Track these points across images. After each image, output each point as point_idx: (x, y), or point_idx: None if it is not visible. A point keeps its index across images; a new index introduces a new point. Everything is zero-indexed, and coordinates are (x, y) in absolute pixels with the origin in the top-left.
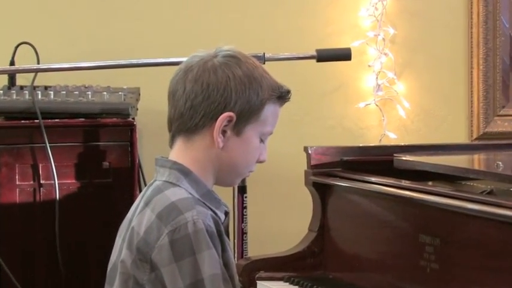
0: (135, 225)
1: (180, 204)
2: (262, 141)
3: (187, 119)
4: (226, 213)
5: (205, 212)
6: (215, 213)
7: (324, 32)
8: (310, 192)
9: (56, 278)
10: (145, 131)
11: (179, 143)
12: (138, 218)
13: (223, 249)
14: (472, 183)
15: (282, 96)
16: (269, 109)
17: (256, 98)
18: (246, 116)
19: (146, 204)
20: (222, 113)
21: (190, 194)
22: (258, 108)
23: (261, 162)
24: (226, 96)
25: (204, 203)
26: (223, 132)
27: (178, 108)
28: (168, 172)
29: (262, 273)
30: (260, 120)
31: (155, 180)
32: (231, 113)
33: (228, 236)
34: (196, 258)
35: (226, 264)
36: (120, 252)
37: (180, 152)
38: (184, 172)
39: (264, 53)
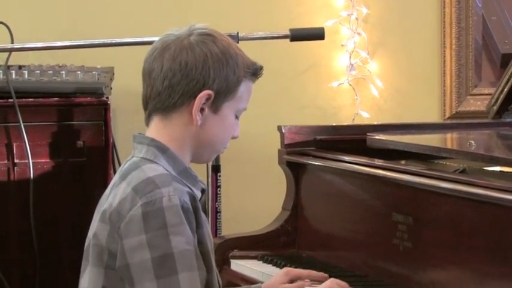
0: (110, 198)
1: (157, 179)
2: (236, 117)
3: (165, 98)
4: (203, 191)
5: (181, 188)
6: (191, 190)
7: (296, 11)
8: (283, 171)
9: (30, 256)
10: (119, 110)
11: (156, 121)
12: (114, 191)
13: (198, 225)
14: (444, 162)
15: (256, 72)
16: (244, 86)
17: (233, 75)
18: (224, 93)
19: (123, 178)
20: (200, 91)
21: (167, 170)
22: (234, 85)
23: (234, 138)
24: (205, 74)
25: (181, 180)
26: (201, 110)
27: (156, 87)
28: (146, 149)
29: (236, 252)
30: (236, 98)
31: (132, 157)
32: (209, 91)
33: (205, 212)
34: (167, 232)
35: (200, 240)
36: (94, 226)
37: (157, 130)
38: (162, 149)
39: (237, 32)
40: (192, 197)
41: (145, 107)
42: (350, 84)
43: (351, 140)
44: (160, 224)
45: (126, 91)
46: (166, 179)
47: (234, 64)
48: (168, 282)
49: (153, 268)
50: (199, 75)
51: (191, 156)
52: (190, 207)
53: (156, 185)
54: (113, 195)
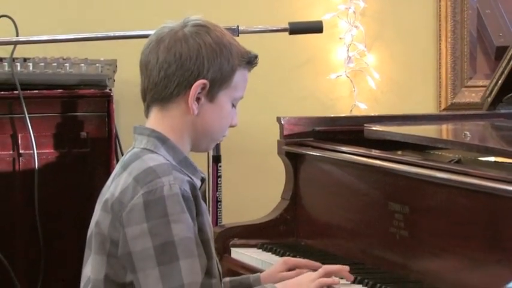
0: (112, 188)
1: (158, 169)
2: (233, 106)
3: (162, 89)
4: (203, 180)
5: (181, 177)
6: (191, 179)
7: (295, 5)
8: (282, 162)
9: (35, 246)
10: (122, 101)
11: (155, 112)
12: (115, 181)
13: (198, 213)
14: (440, 153)
15: (250, 61)
16: (239, 75)
17: (227, 64)
18: (219, 82)
19: (124, 168)
20: (195, 81)
21: (168, 160)
22: (229, 74)
23: (232, 126)
24: (199, 64)
25: (181, 169)
26: (198, 99)
27: (152, 78)
28: (146, 140)
29: (236, 240)
30: (232, 86)
31: (133, 148)
32: (204, 81)
33: (205, 201)
34: (169, 220)
35: (201, 228)
36: (96, 215)
37: (156, 121)
38: (162, 140)
39: (237, 26)
40: (192, 186)
41: (144, 99)
42: (348, 77)
43: (349, 131)
44: (162, 212)
45: (128, 83)
46: (166, 169)
47: (228, 53)
48: (170, 269)
49: (155, 256)
50: (193, 65)
51: (190, 145)
52: (191, 195)
53: (157, 175)
54: (114, 185)
